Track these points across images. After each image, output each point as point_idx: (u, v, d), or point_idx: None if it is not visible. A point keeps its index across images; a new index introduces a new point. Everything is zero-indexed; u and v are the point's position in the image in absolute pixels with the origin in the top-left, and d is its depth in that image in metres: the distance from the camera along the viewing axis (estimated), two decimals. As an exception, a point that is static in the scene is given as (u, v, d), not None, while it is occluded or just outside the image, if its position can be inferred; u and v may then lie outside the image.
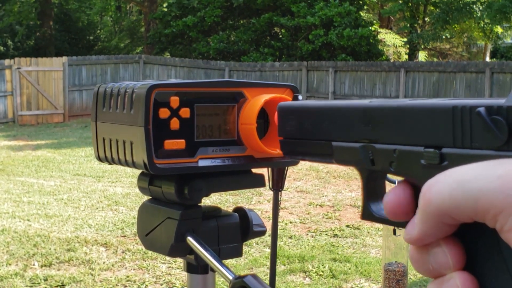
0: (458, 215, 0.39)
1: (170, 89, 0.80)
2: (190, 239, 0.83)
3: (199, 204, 0.88)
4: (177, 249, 0.85)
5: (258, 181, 0.91)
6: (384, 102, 0.53)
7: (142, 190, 0.91)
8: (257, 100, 0.85)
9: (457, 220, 0.40)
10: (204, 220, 0.88)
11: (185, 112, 0.81)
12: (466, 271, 0.41)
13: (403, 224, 0.49)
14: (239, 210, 0.94)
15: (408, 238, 0.43)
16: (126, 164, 0.83)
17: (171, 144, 0.80)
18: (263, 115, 0.87)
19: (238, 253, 0.91)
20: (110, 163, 0.88)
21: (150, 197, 0.91)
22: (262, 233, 0.94)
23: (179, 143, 0.81)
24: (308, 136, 0.62)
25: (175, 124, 0.81)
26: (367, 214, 0.56)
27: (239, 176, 0.89)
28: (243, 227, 0.92)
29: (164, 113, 0.80)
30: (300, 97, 0.84)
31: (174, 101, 0.80)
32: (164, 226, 0.86)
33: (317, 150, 0.62)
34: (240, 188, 0.91)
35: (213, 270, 0.91)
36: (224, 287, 4.44)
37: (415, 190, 0.50)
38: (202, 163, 0.83)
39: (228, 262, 0.83)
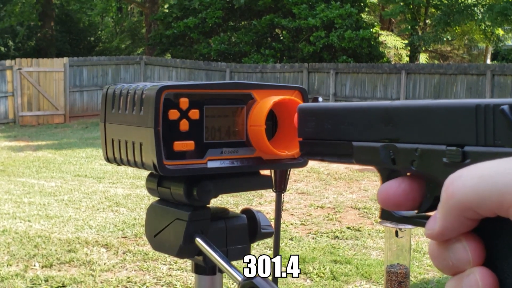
0: (482, 209, 0.39)
1: (179, 91, 0.81)
2: (198, 240, 0.84)
3: (208, 205, 0.88)
4: (186, 250, 0.85)
5: (266, 183, 0.92)
6: (406, 102, 0.54)
7: (150, 191, 0.91)
8: (265, 102, 0.85)
9: (480, 214, 0.40)
10: (212, 222, 0.88)
11: (194, 114, 0.82)
12: (486, 267, 0.41)
13: (424, 224, 0.50)
14: (247, 212, 0.94)
15: (430, 233, 0.43)
16: (135, 165, 0.83)
17: (180, 145, 0.81)
18: (271, 117, 0.87)
19: (245, 254, 0.91)
20: (118, 164, 0.88)
21: (158, 198, 0.91)
22: (270, 234, 0.94)
23: (188, 145, 0.81)
24: (328, 136, 0.63)
25: (184, 125, 0.81)
26: (386, 214, 0.56)
27: (247, 177, 0.89)
28: (251, 228, 0.93)
29: (173, 114, 0.80)
30: (320, 99, 0.85)
31: (184, 102, 0.80)
32: (173, 227, 0.86)
33: (337, 150, 0.62)
34: (249, 190, 0.92)
35: (221, 271, 0.92)
36: (225, 288, 4.44)
37: (420, 185, 0.51)
38: (211, 164, 0.84)
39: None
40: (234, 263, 0.82)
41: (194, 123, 0.82)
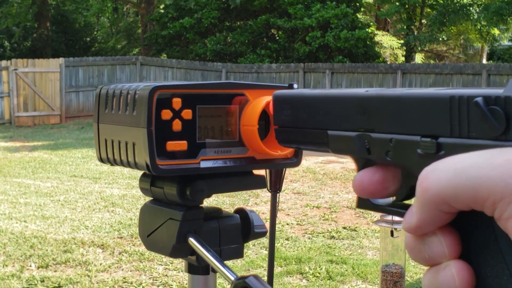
0: (456, 203, 0.39)
1: (172, 91, 0.81)
2: (191, 240, 0.84)
3: (201, 205, 0.88)
4: (179, 250, 0.85)
5: (259, 182, 0.92)
6: (380, 91, 0.54)
7: (143, 191, 0.91)
8: (258, 102, 0.85)
9: (455, 208, 0.40)
10: (205, 221, 0.88)
11: (187, 114, 0.82)
12: (462, 260, 0.42)
13: (399, 213, 0.50)
14: (240, 211, 0.94)
15: (407, 226, 0.43)
16: (128, 165, 0.83)
17: (173, 145, 0.81)
18: (264, 117, 0.87)
19: (239, 254, 0.91)
20: (112, 164, 0.88)
21: (151, 198, 0.91)
22: (263, 234, 0.94)
23: (181, 144, 0.81)
24: (303, 124, 0.62)
25: (177, 125, 0.81)
26: (363, 203, 0.56)
27: (240, 177, 0.89)
28: (244, 228, 0.93)
29: (166, 114, 0.80)
30: (295, 85, 0.84)
31: (176, 102, 0.81)
32: (166, 227, 0.86)
33: (312, 138, 0.62)
34: (241, 189, 0.92)
35: (214, 271, 0.92)
36: (221, 288, 4.44)
37: (396, 175, 0.51)
38: (204, 164, 0.84)
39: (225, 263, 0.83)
40: (227, 262, 0.82)
41: (187, 123, 0.82)
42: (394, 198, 0.53)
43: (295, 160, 0.90)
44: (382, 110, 0.53)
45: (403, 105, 0.51)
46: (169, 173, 0.81)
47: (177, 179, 0.84)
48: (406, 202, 0.53)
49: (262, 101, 0.85)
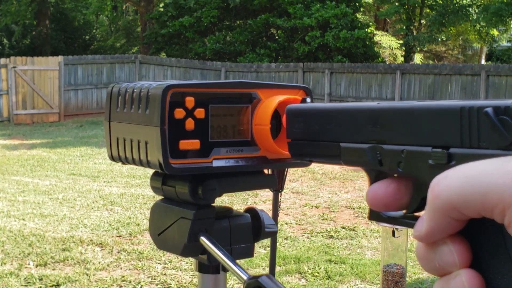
0: (466, 210, 0.40)
1: (185, 90, 0.81)
2: (203, 239, 0.84)
3: (212, 204, 0.88)
4: (190, 248, 0.85)
5: (270, 182, 0.92)
6: (392, 104, 0.54)
7: (155, 189, 0.91)
8: (271, 101, 0.85)
9: (465, 215, 0.40)
10: (216, 220, 0.88)
11: (200, 113, 0.82)
12: (472, 269, 0.42)
13: (411, 225, 0.50)
14: (251, 211, 0.94)
15: (417, 235, 0.43)
16: (141, 164, 0.83)
17: (186, 144, 0.81)
18: (276, 116, 0.87)
19: (249, 254, 0.91)
20: (123, 163, 0.88)
21: (162, 197, 0.91)
22: (274, 233, 0.94)
23: (194, 143, 0.81)
24: (316, 137, 0.63)
25: (190, 124, 0.81)
26: (375, 215, 0.57)
27: (252, 176, 0.90)
28: (255, 227, 0.93)
29: (179, 113, 0.80)
30: (308, 99, 0.85)
31: (190, 101, 0.81)
32: (177, 225, 0.86)
33: (325, 151, 0.63)
34: (253, 189, 0.92)
35: (225, 270, 0.92)
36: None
37: (408, 186, 0.52)
38: (216, 163, 0.84)
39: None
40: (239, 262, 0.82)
41: (199, 122, 0.82)
42: (405, 210, 0.54)
43: (306, 160, 0.90)
44: (394, 122, 0.54)
45: (415, 116, 0.51)
46: (182, 172, 0.81)
47: (189, 178, 0.84)
48: (418, 214, 0.53)
49: (275, 100, 0.85)
